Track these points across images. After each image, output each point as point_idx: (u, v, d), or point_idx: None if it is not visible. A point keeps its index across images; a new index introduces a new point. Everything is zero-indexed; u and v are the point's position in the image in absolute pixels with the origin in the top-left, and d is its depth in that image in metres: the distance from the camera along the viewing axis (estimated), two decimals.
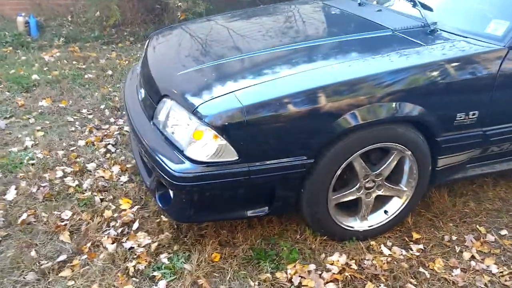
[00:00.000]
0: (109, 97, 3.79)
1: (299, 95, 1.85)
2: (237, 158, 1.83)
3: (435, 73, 2.00)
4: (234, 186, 1.90)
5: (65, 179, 2.59)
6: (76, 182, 2.56)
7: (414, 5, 2.44)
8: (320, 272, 1.99)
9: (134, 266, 1.98)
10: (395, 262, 2.07)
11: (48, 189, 2.49)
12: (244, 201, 2.00)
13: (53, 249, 2.09)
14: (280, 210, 2.09)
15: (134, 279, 1.94)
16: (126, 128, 3.25)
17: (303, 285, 1.92)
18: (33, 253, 2.03)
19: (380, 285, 1.94)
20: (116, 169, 2.72)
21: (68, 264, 2.00)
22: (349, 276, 1.97)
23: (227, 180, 1.86)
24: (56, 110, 3.52)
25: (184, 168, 1.83)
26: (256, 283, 1.94)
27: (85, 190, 2.51)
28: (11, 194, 2.43)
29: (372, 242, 2.19)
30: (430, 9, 2.40)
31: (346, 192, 2.09)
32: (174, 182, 1.84)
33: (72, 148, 2.94)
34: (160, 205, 2.07)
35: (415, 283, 1.96)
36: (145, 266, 2.00)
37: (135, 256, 2.05)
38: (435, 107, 2.02)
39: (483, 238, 2.26)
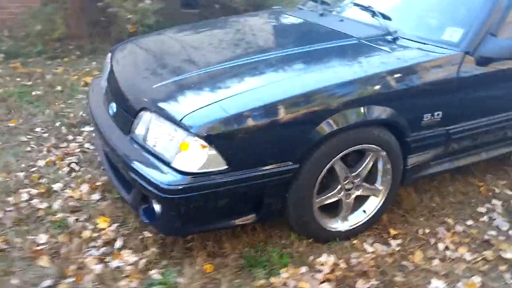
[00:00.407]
0: (62, 114, 3.62)
1: (280, 103, 1.91)
2: (226, 167, 1.85)
3: (403, 78, 2.16)
4: (223, 195, 1.91)
5: (32, 202, 2.45)
6: (45, 204, 2.43)
7: (373, 15, 2.59)
8: (312, 274, 2.04)
9: (127, 285, 1.91)
10: (379, 258, 2.17)
11: (15, 213, 2.34)
12: (232, 210, 2.02)
13: (35, 275, 1.96)
14: (267, 217, 2.12)
15: None
16: (87, 145, 3.12)
17: (298, 287, 1.96)
18: (15, 281, 1.90)
19: (370, 280, 2.02)
20: (85, 187, 2.61)
21: None
22: (340, 275, 2.04)
23: (217, 189, 1.87)
24: (5, 130, 3.31)
25: (173, 180, 1.82)
26: None
27: (56, 212, 2.38)
28: None
29: (355, 241, 2.28)
30: (389, 19, 2.56)
31: (328, 195, 2.17)
32: (163, 195, 1.82)
33: (32, 169, 2.78)
34: (145, 220, 2.02)
35: (402, 275, 2.06)
36: (137, 284, 1.94)
37: (124, 275, 1.98)
38: (405, 109, 2.17)
39: (452, 229, 2.43)
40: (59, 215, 2.35)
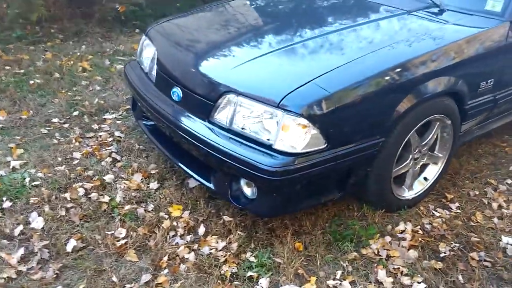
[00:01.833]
0: (74, 102, 3.42)
1: (372, 78, 1.94)
2: (325, 145, 1.86)
3: (464, 48, 2.24)
4: (321, 174, 1.92)
5: (91, 196, 2.34)
6: (107, 198, 2.33)
7: None
8: (398, 242, 2.12)
9: (229, 271, 1.90)
10: (449, 222, 2.29)
11: (78, 209, 2.23)
12: (324, 188, 2.04)
13: (129, 271, 1.90)
14: (351, 191, 2.16)
15: (236, 282, 1.87)
16: (117, 133, 2.99)
17: (391, 256, 2.04)
18: (115, 279, 1.83)
19: (451, 243, 2.14)
20: (138, 177, 2.52)
21: (156, 282, 1.85)
22: (422, 241, 2.14)
23: (318, 168, 1.88)
24: (20, 122, 3.09)
25: (279, 162, 1.81)
26: (347, 263, 2.01)
27: (121, 204, 2.30)
28: (38, 222, 2.12)
29: (421, 208, 2.39)
30: None
31: (402, 165, 2.25)
32: (270, 177, 1.81)
33: (73, 162, 2.63)
34: (238, 205, 2.00)
35: (475, 235, 2.21)
36: (236, 268, 1.93)
37: (221, 261, 1.96)
38: (467, 79, 2.27)
39: (498, 188, 2.61)
40: (127, 207, 2.27)
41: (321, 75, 1.91)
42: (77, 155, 2.71)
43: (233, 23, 2.65)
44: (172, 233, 2.13)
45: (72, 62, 4.19)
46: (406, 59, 2.03)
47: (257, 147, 1.88)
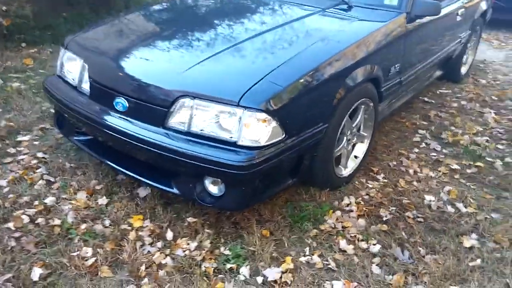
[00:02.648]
0: None
1: (315, 69, 2.15)
2: (284, 136, 2.02)
3: (380, 38, 2.57)
4: (281, 163, 2.08)
5: (39, 221, 2.19)
6: (57, 221, 2.20)
7: None
8: (347, 214, 2.38)
9: (210, 267, 1.96)
10: (381, 191, 2.63)
11: (30, 237, 2.08)
12: (281, 176, 2.21)
13: (110, 286, 1.85)
14: (302, 177, 2.35)
15: (220, 275, 1.94)
16: (39, 154, 2.79)
17: (344, 227, 2.29)
18: None
19: (389, 207, 2.47)
20: (82, 195, 2.41)
21: None
22: (365, 210, 2.43)
23: (278, 158, 2.03)
24: None
25: (246, 157, 1.91)
26: (310, 240, 2.20)
27: (74, 224, 2.19)
28: None
29: (356, 182, 2.69)
30: None
31: (340, 147, 2.51)
32: (240, 172, 1.91)
33: (2, 191, 2.41)
34: (207, 204, 2.07)
35: (405, 198, 2.56)
36: (216, 263, 2.00)
37: (199, 259, 2.01)
38: (382, 64, 2.61)
39: (409, 157, 3.04)
40: (83, 226, 2.17)
41: (270, 72, 2.05)
42: (2, 182, 2.49)
43: (164, 28, 2.67)
44: (139, 243, 2.11)
45: None
46: (335, 53, 2.27)
47: (220, 145, 1.96)
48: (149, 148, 2.06)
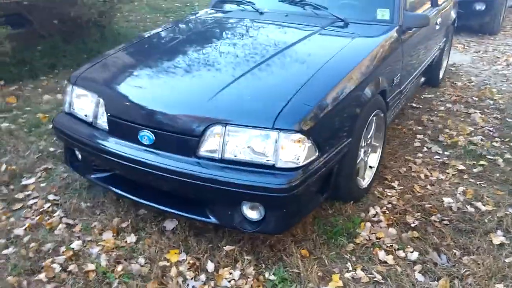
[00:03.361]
0: None
1: (335, 88, 2.20)
2: (318, 153, 2.05)
3: (382, 53, 2.66)
4: (317, 180, 2.10)
5: (70, 269, 2.10)
6: (91, 266, 2.11)
7: (315, 8, 3.01)
8: (378, 225, 2.42)
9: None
10: (401, 198, 2.69)
11: (68, 286, 1.98)
12: (315, 193, 2.22)
13: None
14: (330, 192, 2.37)
15: None
16: (50, 197, 2.68)
17: (378, 238, 2.32)
18: None
19: (413, 213, 2.53)
20: (108, 235, 2.33)
21: None
22: (392, 219, 2.48)
23: (315, 176, 2.05)
24: None
25: (287, 179, 1.92)
26: (348, 255, 2.22)
27: (110, 267, 2.11)
28: None
29: (375, 192, 2.74)
30: (326, 8, 3.02)
31: (359, 159, 2.56)
32: (283, 195, 1.92)
33: (23, 240, 2.30)
34: (249, 230, 2.05)
35: (426, 202, 2.63)
36: None
37: (248, 287, 1.99)
38: (387, 76, 2.71)
39: (416, 163, 3.13)
40: (119, 267, 2.09)
41: (296, 93, 2.09)
42: (19, 231, 2.37)
43: (175, 54, 2.65)
44: (180, 278, 2.05)
45: None
46: (350, 69, 2.33)
47: (257, 169, 1.96)
48: (182, 179, 2.03)
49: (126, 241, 2.29)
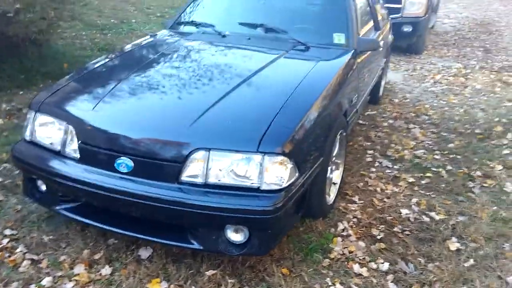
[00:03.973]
0: None
1: (308, 110, 2.30)
2: (298, 174, 2.14)
3: (343, 75, 2.83)
4: (296, 200, 2.18)
5: None
6: None
7: (268, 31, 3.14)
8: (347, 238, 2.55)
9: None
10: (364, 212, 2.85)
11: None
12: (292, 213, 2.30)
13: None
14: (306, 211, 2.46)
15: None
16: (7, 231, 2.51)
17: (351, 251, 2.45)
18: None
19: (378, 226, 2.69)
20: (80, 268, 2.23)
21: None
22: (360, 232, 2.62)
23: (296, 195, 2.13)
24: None
25: (271, 201, 1.98)
26: (326, 270, 2.32)
27: None
28: None
29: (340, 207, 2.88)
30: (286, 32, 3.16)
31: (327, 176, 2.68)
32: (269, 216, 1.98)
33: None
34: (234, 253, 2.08)
35: (386, 214, 2.81)
36: None
37: None
38: (347, 97, 2.88)
39: (368, 178, 3.32)
40: None
41: (276, 115, 2.17)
42: None
43: (148, 76, 2.60)
44: None
45: None
46: (320, 91, 2.46)
47: (241, 192, 2.00)
48: (164, 206, 2.02)
49: (101, 274, 2.20)
